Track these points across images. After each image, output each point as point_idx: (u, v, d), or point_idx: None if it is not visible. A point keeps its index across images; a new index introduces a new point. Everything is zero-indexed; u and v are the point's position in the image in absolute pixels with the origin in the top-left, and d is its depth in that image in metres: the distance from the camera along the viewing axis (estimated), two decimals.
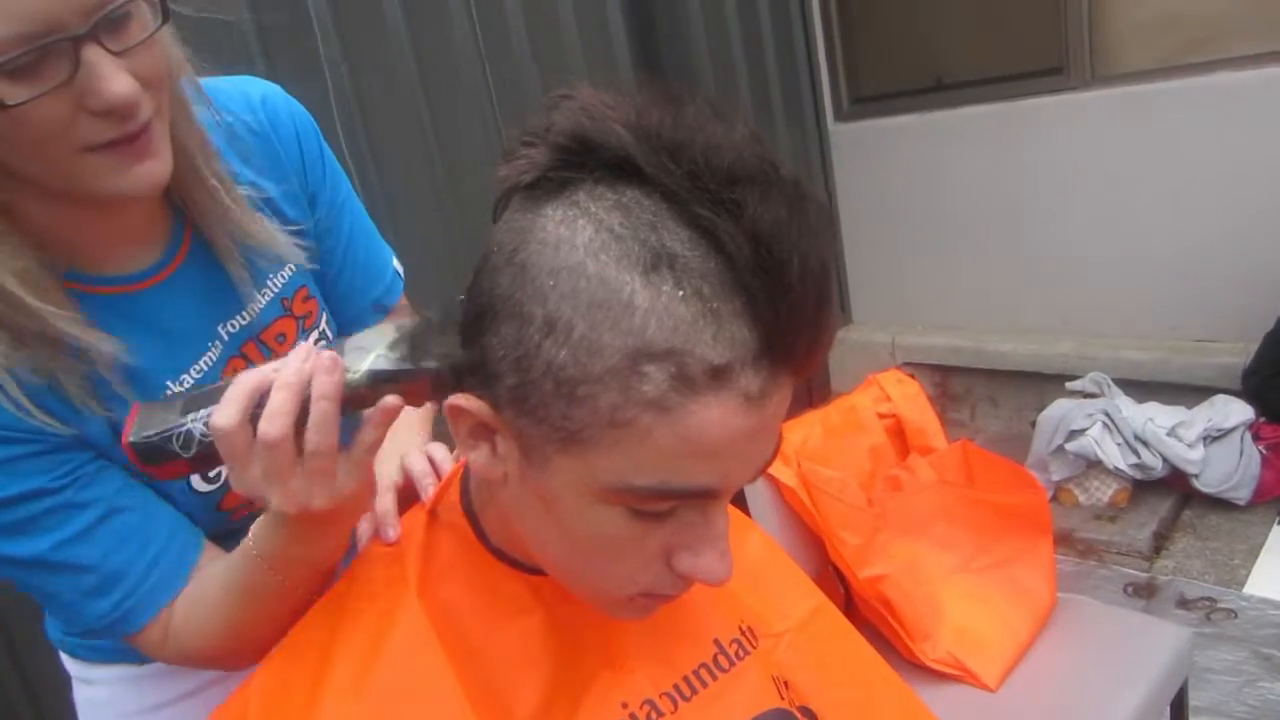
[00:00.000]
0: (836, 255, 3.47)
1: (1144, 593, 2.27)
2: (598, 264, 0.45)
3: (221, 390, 0.57)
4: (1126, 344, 2.88)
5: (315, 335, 0.84)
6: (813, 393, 3.42)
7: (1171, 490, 2.59)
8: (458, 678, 0.58)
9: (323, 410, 0.56)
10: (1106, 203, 2.87)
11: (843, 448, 1.56)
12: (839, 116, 3.39)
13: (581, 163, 0.47)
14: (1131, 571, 2.37)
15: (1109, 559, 2.43)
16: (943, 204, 3.19)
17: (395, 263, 0.96)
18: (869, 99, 3.33)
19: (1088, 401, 2.67)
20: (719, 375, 0.45)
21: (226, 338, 0.78)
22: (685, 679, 0.66)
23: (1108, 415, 2.57)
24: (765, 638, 0.72)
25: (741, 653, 0.69)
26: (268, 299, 0.81)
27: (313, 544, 0.65)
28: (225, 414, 0.56)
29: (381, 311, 0.92)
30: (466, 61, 2.27)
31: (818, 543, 1.47)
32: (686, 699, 0.65)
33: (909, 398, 1.65)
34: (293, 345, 0.71)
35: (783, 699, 0.69)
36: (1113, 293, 2.92)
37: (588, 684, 0.63)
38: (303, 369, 0.56)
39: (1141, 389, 2.74)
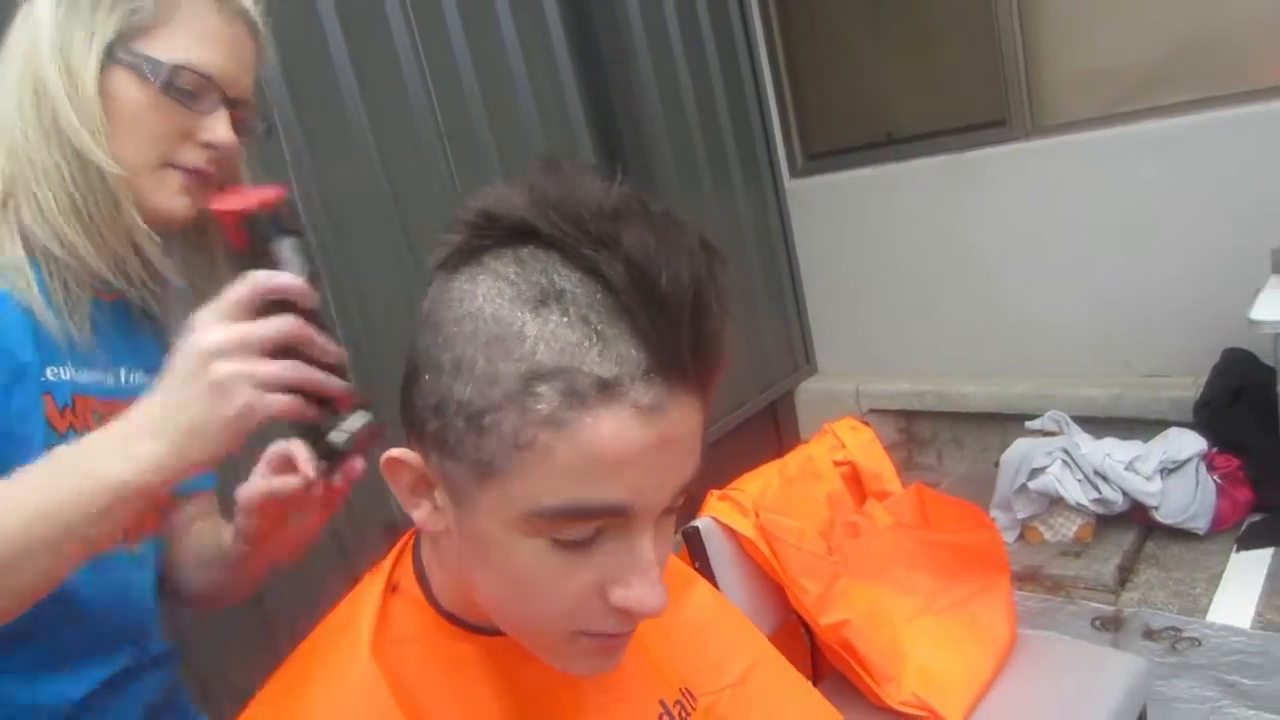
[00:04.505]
0: (799, 301, 3.55)
1: (1111, 625, 2.31)
2: (493, 306, 0.50)
3: None
4: (1083, 382, 2.97)
5: None
6: (782, 443, 3.47)
7: (1133, 523, 2.64)
8: None
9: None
10: (1054, 246, 2.97)
11: (800, 497, 1.60)
12: (794, 173, 3.50)
13: (488, 233, 0.53)
14: (1098, 605, 2.41)
15: (1076, 594, 2.47)
16: (899, 253, 3.29)
17: None
18: (822, 155, 3.45)
19: (1047, 440, 2.74)
20: (607, 388, 0.49)
21: (124, 381, 0.84)
22: None
23: (1067, 452, 2.63)
24: (705, 695, 0.75)
25: (684, 714, 0.72)
26: (133, 381, 0.85)
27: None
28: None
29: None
30: (430, 149, 2.35)
31: (779, 592, 1.50)
32: None
33: (864, 445, 1.70)
34: None
35: None
36: (1067, 333, 3.02)
37: None
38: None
39: (1099, 425, 2.82)
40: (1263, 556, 2.43)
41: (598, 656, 0.60)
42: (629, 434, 0.49)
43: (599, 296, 0.49)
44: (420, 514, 0.59)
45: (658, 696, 0.72)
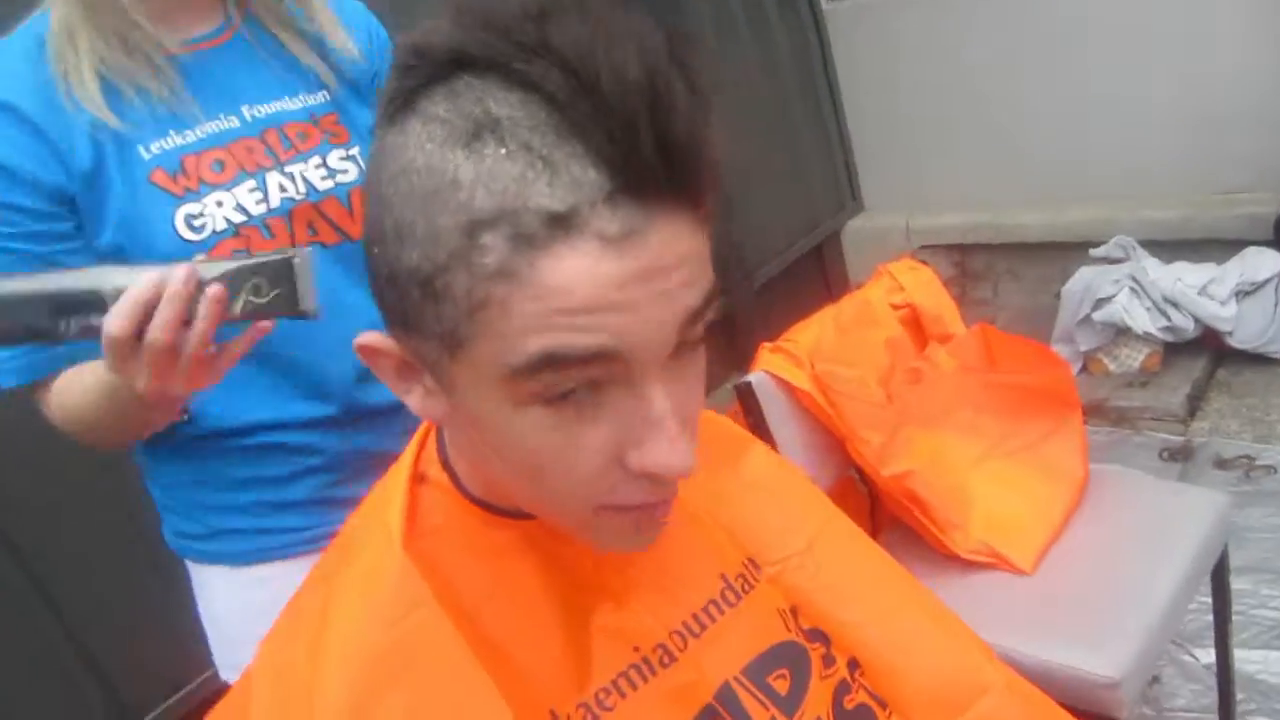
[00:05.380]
0: (843, 135, 3.35)
1: (1180, 456, 2.24)
2: (424, 154, 0.43)
3: (84, 292, 0.70)
4: (1150, 203, 2.77)
5: (341, 154, 0.96)
6: (830, 287, 3.36)
7: (1204, 350, 2.53)
8: (461, 632, 0.55)
9: (201, 330, 0.71)
10: (1117, 57, 2.72)
11: (858, 344, 1.51)
12: None
13: (418, 71, 0.45)
14: (1167, 436, 2.33)
15: (1143, 425, 2.39)
16: (947, 77, 3.05)
17: None
18: None
19: (1113, 267, 2.60)
20: (562, 223, 0.41)
21: (249, 119, 0.92)
22: (694, 616, 0.64)
23: (1135, 280, 2.50)
24: (769, 565, 0.70)
25: (746, 587, 0.67)
26: (298, 105, 0.95)
27: (156, 406, 0.80)
28: (119, 325, 0.68)
29: None
30: None
31: (839, 446, 1.44)
32: (696, 635, 0.63)
33: (923, 285, 1.59)
34: (314, 148, 0.93)
35: (789, 630, 0.67)
36: (1132, 151, 2.80)
37: (590, 619, 0.61)
38: (189, 286, 0.69)
39: (1169, 249, 2.65)
40: None
41: (631, 532, 0.54)
42: (599, 270, 0.41)
43: (544, 117, 0.41)
44: (414, 400, 0.53)
45: (718, 570, 0.67)
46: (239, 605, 1.02)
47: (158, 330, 0.69)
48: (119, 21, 0.85)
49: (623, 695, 0.60)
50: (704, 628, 0.64)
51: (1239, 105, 2.57)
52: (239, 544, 1.00)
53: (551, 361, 0.43)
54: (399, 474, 0.62)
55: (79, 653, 1.59)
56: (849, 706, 0.68)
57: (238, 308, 0.72)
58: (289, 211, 0.91)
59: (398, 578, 0.56)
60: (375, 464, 0.99)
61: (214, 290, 0.70)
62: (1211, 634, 1.46)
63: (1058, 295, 2.71)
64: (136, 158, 0.87)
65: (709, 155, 0.43)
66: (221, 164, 0.90)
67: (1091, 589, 1.30)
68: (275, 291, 0.72)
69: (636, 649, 0.61)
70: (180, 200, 0.87)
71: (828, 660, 0.69)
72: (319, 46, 0.97)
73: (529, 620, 0.59)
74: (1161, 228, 2.70)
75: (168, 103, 0.88)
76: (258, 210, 0.90)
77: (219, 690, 0.77)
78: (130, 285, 0.69)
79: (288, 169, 0.92)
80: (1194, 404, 2.40)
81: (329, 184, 0.94)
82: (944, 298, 1.60)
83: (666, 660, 0.61)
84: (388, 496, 0.61)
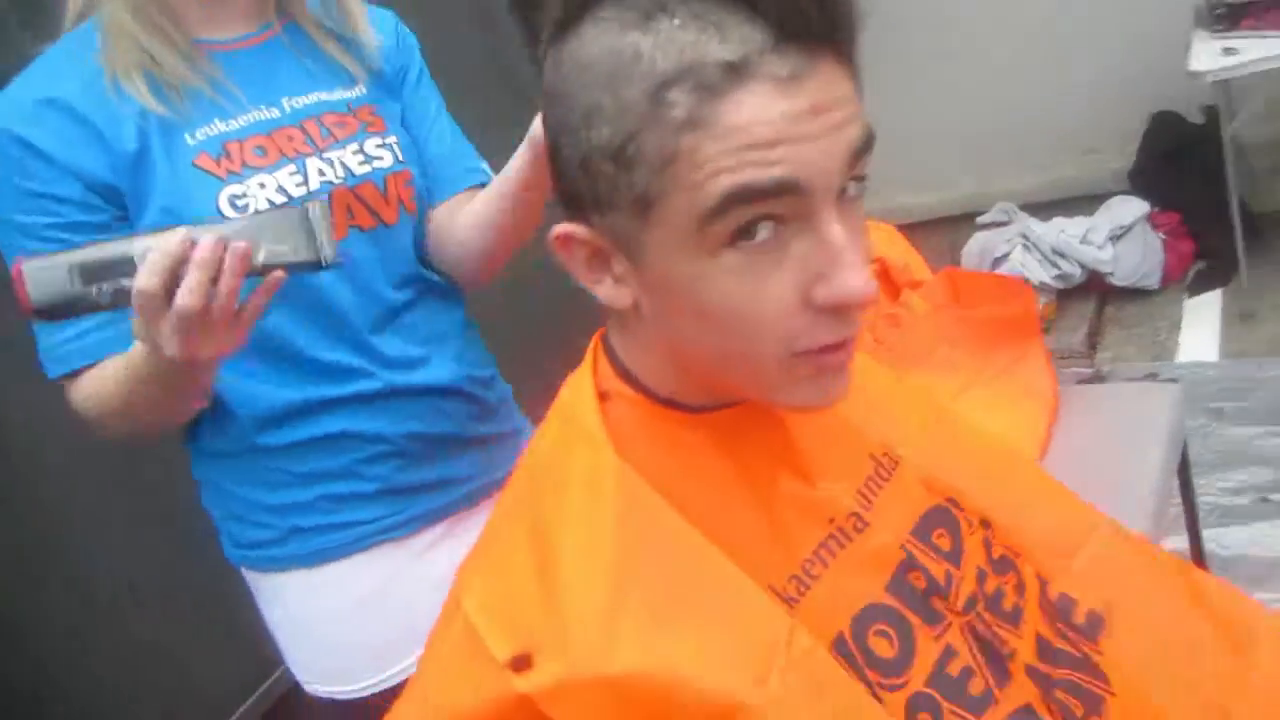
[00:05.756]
0: None
1: (1096, 384, 2.46)
2: (602, 43, 0.49)
3: (113, 257, 0.72)
4: (1023, 171, 3.06)
5: (378, 141, 0.99)
6: None
7: (1090, 293, 2.80)
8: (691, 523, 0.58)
9: (228, 286, 0.72)
10: (983, 38, 3.00)
11: None
12: None
13: None
14: (1078, 370, 2.55)
15: (1054, 364, 2.61)
16: None
17: (485, 166, 1.12)
18: None
19: (1001, 229, 2.84)
20: (738, 70, 0.47)
21: (289, 110, 0.96)
22: (860, 492, 0.69)
23: (1024, 237, 2.74)
24: (897, 446, 0.75)
25: (891, 465, 0.73)
26: (336, 97, 0.99)
27: (186, 376, 0.82)
28: (150, 280, 0.70)
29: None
30: None
31: None
32: (868, 508, 0.68)
33: (887, 240, 1.72)
34: (351, 135, 0.97)
35: (935, 496, 0.73)
36: (1002, 125, 3.08)
37: (783, 496, 0.65)
38: (216, 251, 0.71)
39: (1045, 208, 2.93)
40: (1212, 298, 2.64)
41: (822, 378, 0.57)
42: (775, 107, 0.47)
43: None
44: (604, 289, 0.57)
45: (867, 451, 0.73)
46: (323, 609, 1.02)
47: (186, 295, 0.70)
48: (164, 21, 0.89)
49: (825, 565, 0.64)
50: (870, 502, 0.70)
51: (1093, 74, 2.89)
52: (311, 542, 1.00)
53: (740, 197, 0.48)
54: (582, 393, 0.64)
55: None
56: (995, 556, 0.76)
57: (260, 257, 0.74)
58: (328, 194, 0.94)
59: (617, 478, 0.58)
60: (436, 447, 1.04)
61: (239, 246, 0.72)
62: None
63: (956, 264, 2.93)
64: (181, 143, 0.90)
65: (857, 12, 0.50)
66: (263, 149, 0.93)
67: (1090, 488, 1.41)
68: (294, 243, 0.76)
69: (831, 520, 0.66)
70: (224, 182, 0.90)
71: (967, 521, 0.77)
72: (353, 46, 1.01)
73: (732, 507, 0.62)
74: (1037, 191, 2.99)
75: (211, 95, 0.91)
76: (298, 192, 0.92)
77: None
78: (159, 243, 0.71)
79: (326, 155, 0.95)
80: (1093, 339, 2.66)
81: (366, 169, 0.97)
82: (908, 248, 1.73)
83: (860, 526, 0.66)
84: (579, 414, 0.63)
